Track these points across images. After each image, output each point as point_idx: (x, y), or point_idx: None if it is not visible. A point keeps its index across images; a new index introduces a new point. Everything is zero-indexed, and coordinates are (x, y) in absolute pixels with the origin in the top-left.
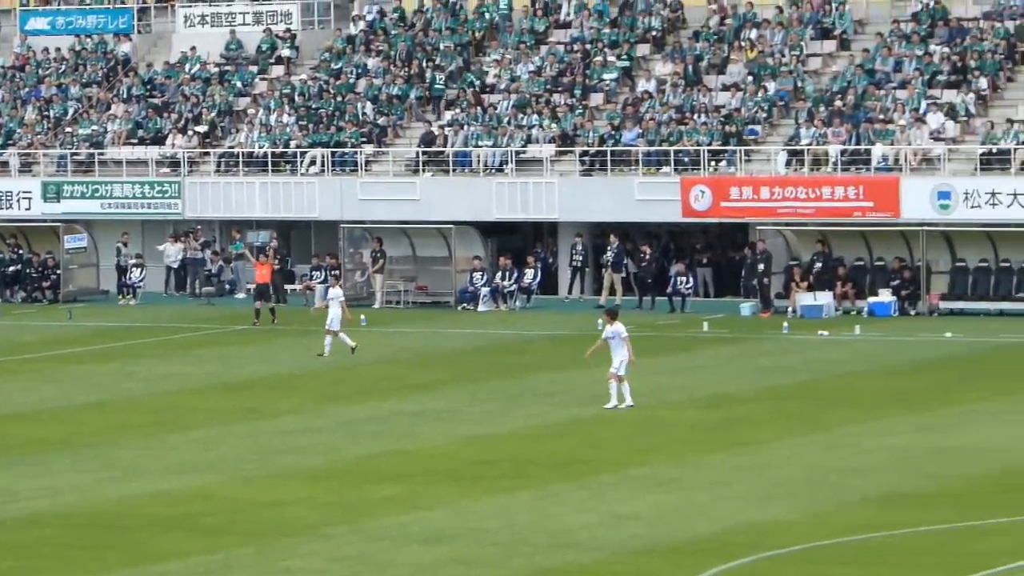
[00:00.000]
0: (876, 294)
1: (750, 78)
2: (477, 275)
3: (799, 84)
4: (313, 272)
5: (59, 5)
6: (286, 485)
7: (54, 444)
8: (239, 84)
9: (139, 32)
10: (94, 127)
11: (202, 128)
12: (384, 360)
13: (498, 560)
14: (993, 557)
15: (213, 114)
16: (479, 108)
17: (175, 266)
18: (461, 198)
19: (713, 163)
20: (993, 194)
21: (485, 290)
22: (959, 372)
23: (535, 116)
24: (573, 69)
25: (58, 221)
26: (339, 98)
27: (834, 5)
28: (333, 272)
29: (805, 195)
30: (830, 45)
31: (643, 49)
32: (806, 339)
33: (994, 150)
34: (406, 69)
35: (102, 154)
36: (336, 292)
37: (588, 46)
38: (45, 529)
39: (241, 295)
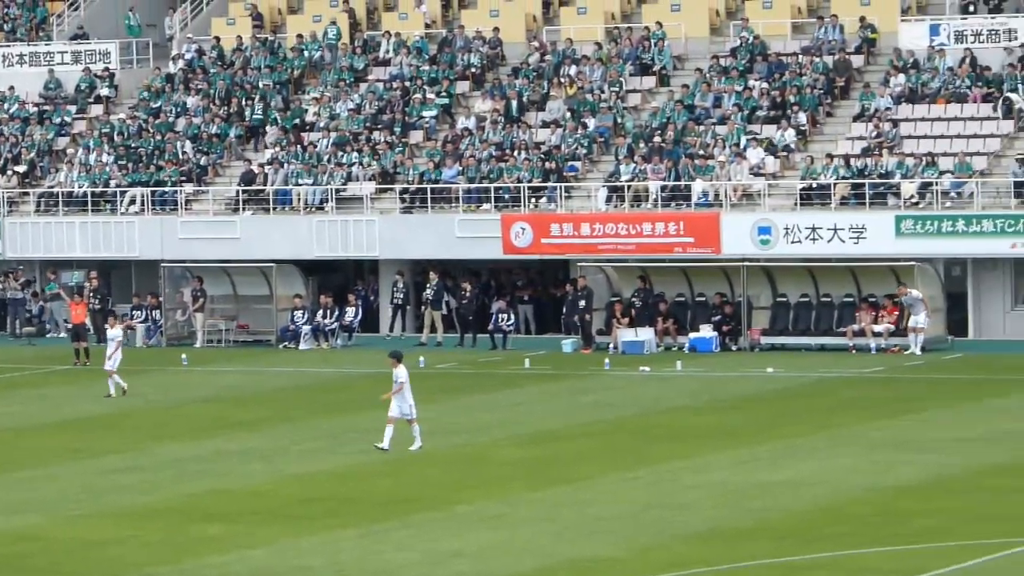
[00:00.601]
0: (697, 330)
1: (570, 114)
2: (298, 313)
3: (619, 120)
4: (134, 312)
5: None
6: (111, 524)
7: None
8: (58, 123)
9: None
10: None
11: (21, 168)
12: (207, 399)
13: None
14: None
15: (32, 154)
16: (299, 146)
17: None
18: (282, 236)
19: (533, 200)
20: (813, 229)
21: (306, 328)
22: (780, 407)
23: (355, 154)
24: (393, 106)
25: None
26: (158, 137)
27: (653, 41)
28: (112, 312)
29: (626, 231)
30: (649, 81)
31: (463, 86)
32: (628, 375)
33: (814, 185)
34: (225, 107)
35: None
36: (114, 332)
37: (407, 83)
38: None
39: (58, 335)
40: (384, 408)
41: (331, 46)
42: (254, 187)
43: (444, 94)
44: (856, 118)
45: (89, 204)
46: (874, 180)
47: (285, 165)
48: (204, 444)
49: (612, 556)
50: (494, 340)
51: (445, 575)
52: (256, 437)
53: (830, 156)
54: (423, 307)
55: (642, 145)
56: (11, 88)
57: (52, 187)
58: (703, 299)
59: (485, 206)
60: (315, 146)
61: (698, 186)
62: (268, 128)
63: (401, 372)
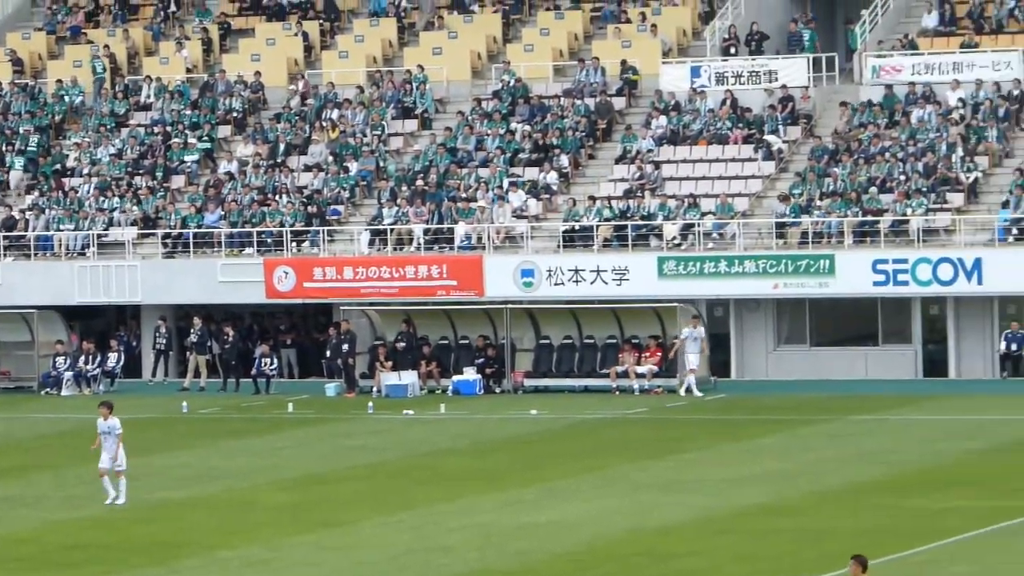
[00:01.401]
0: (461, 372)
1: (332, 158)
2: (60, 359)
3: (381, 164)
4: None
5: None
6: None
7: None
8: None
9: None
10: None
11: None
12: None
13: None
14: None
15: None
16: (60, 192)
17: None
18: (43, 282)
19: (296, 244)
20: (576, 271)
21: (68, 374)
22: (544, 449)
23: (116, 199)
24: (154, 151)
25: None
26: None
27: (415, 84)
28: None
29: (389, 275)
30: (412, 124)
31: (224, 131)
32: (392, 418)
33: (577, 227)
34: None
35: None
36: None
37: (169, 128)
38: None
39: None
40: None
41: (98, 82)
42: (15, 232)
43: (206, 138)
44: (618, 160)
45: None
46: (636, 222)
47: (46, 211)
48: None
49: None
50: (257, 384)
51: None
52: (19, 484)
53: (592, 198)
54: (187, 352)
55: (405, 188)
56: None
57: None
58: (466, 341)
59: (248, 250)
60: (76, 191)
61: (461, 229)
62: (13, 173)
63: (111, 423)
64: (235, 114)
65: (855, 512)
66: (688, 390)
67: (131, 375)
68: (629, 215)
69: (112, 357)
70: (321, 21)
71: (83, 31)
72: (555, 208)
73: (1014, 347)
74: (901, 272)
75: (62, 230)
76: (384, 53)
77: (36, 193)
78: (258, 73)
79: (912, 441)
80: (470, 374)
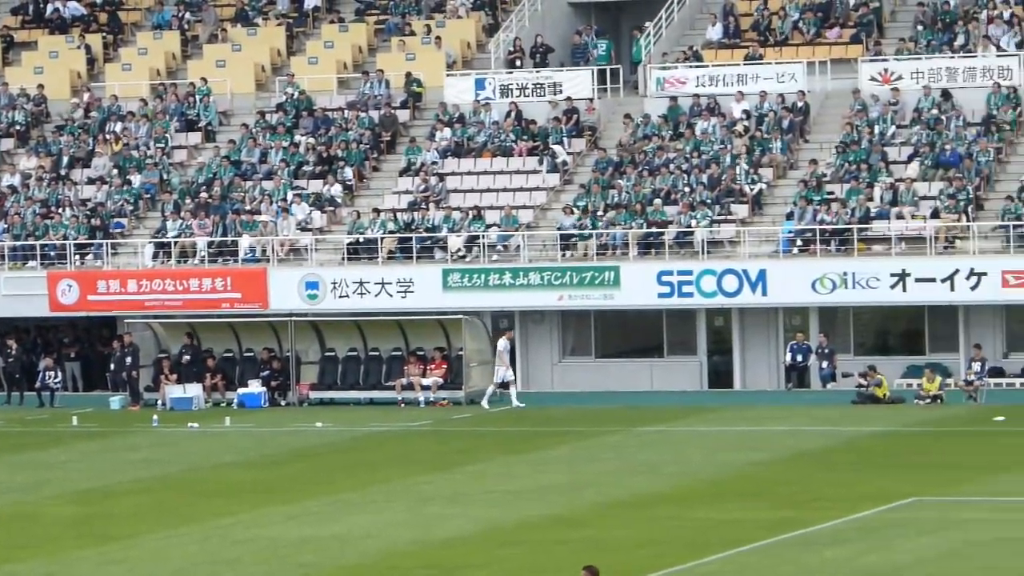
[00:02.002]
0: (246, 385)
1: (115, 171)
2: None
3: (165, 176)
4: None
5: None
6: None
7: None
8: None
9: None
10: None
11: None
12: None
13: None
14: None
15: None
16: None
17: None
18: None
19: (80, 257)
20: (361, 283)
21: None
22: (330, 461)
23: None
24: None
25: None
26: None
27: (198, 97)
28: None
29: (173, 287)
30: (195, 137)
31: (7, 143)
32: (176, 431)
33: (361, 239)
34: None
35: None
36: None
37: None
38: None
39: None
40: None
41: None
42: None
43: None
44: (402, 172)
45: None
46: (421, 234)
47: None
48: None
49: None
50: (41, 398)
51: None
52: None
53: (377, 210)
54: None
55: (188, 201)
56: None
57: None
58: (251, 354)
59: (31, 263)
60: None
61: (245, 241)
62: None
63: None
64: (18, 127)
65: (640, 523)
66: (491, 401)
67: None
68: (414, 227)
69: None
70: (104, 34)
71: None
72: (339, 220)
73: (799, 358)
74: (686, 284)
75: None
76: (168, 66)
77: None
78: (41, 86)
79: (697, 452)
80: (255, 387)
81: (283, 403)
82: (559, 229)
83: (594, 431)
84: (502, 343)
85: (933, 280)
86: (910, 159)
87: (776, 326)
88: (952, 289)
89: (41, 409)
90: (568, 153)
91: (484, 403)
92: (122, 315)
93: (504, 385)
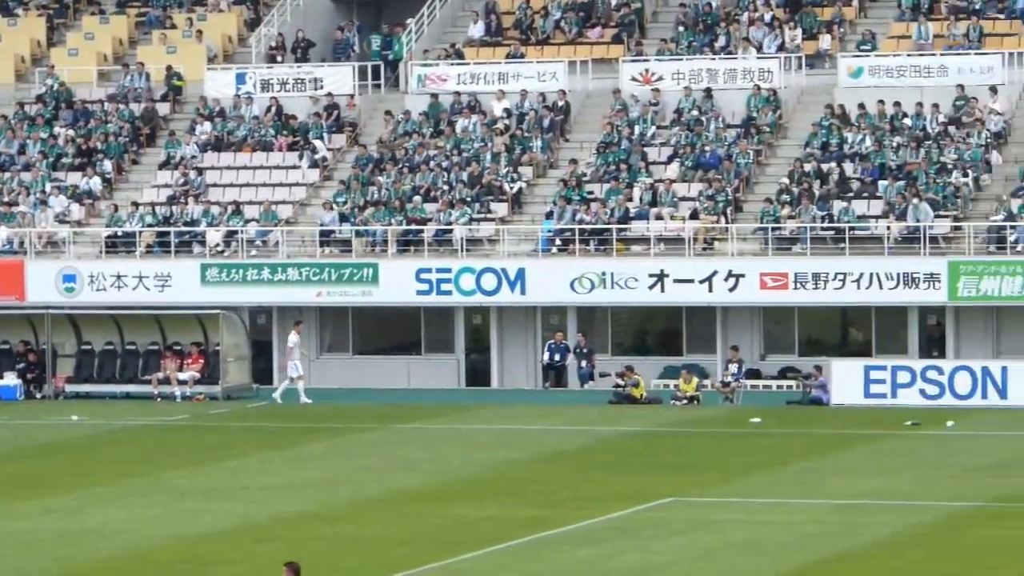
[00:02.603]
0: (1, 377)
1: None
2: None
3: None
4: None
5: None
6: None
7: None
8: None
9: None
10: None
11: None
12: None
13: None
14: None
15: None
16: None
17: None
18: None
19: None
20: (119, 276)
21: None
22: (86, 455)
23: None
24: None
25: None
26: None
27: None
28: None
29: None
30: None
31: None
32: None
33: (119, 232)
34: None
35: None
36: None
37: None
38: None
39: None
40: None
41: None
42: None
43: None
44: (162, 166)
45: None
46: (180, 228)
47: None
48: None
49: None
50: None
51: None
52: None
53: (136, 204)
54: None
55: None
56: None
57: None
58: (7, 347)
59: None
60: None
61: (2, 233)
62: None
63: None
64: None
65: (397, 520)
66: (285, 396)
67: None
68: (172, 221)
69: None
70: None
71: None
72: (98, 214)
73: (557, 357)
74: (444, 281)
75: None
76: None
77: None
78: None
79: (454, 450)
80: (11, 379)
81: (39, 396)
82: (320, 225)
83: (351, 428)
84: (292, 337)
85: (691, 281)
86: (670, 160)
87: (534, 325)
88: (710, 290)
89: None
90: (328, 149)
91: (303, 398)
92: None
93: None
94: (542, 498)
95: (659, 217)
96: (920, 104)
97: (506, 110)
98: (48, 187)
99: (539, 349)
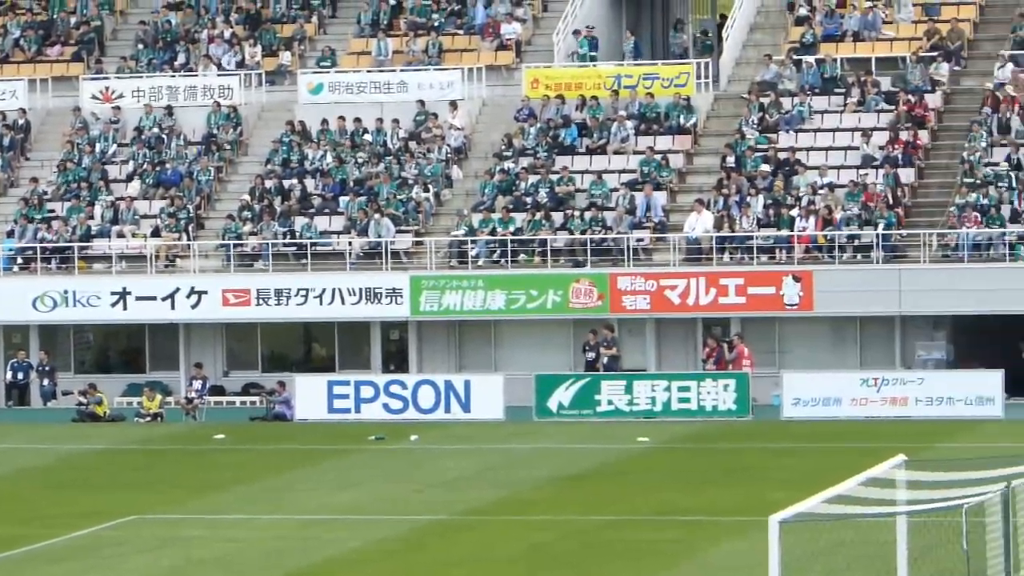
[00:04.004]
0: None
1: None
2: None
3: None
4: None
5: None
6: None
7: None
8: None
9: None
10: None
11: None
12: None
13: None
14: None
15: None
16: None
17: None
18: None
19: None
20: None
21: None
22: None
23: None
24: None
25: None
26: None
27: None
28: None
29: None
30: None
31: None
32: None
33: None
34: None
35: None
36: None
37: None
38: None
39: None
40: None
41: None
42: None
43: None
44: None
45: None
46: None
47: None
48: None
49: None
50: None
51: None
52: None
53: None
54: None
55: None
56: None
57: None
58: None
59: None
60: None
61: None
62: None
63: None
64: None
65: None
66: None
67: None
68: None
69: None
70: None
71: None
72: None
73: (19, 376)
74: None
75: None
76: None
77: None
78: None
79: None
80: None
81: None
82: None
83: None
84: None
85: (154, 298)
86: (131, 177)
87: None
88: (172, 307)
89: None
90: None
91: None
92: None
93: None
94: (7, 517)
95: (121, 235)
96: (380, 120)
97: None
98: None
99: (2, 368)
